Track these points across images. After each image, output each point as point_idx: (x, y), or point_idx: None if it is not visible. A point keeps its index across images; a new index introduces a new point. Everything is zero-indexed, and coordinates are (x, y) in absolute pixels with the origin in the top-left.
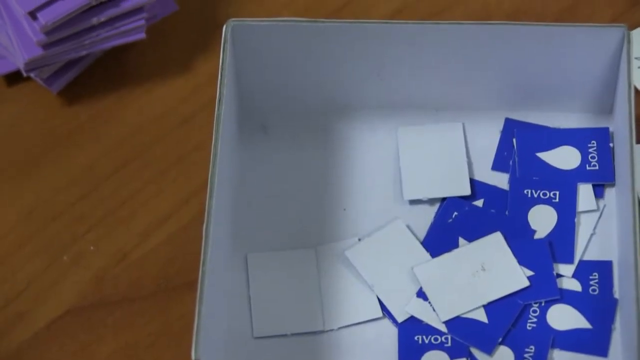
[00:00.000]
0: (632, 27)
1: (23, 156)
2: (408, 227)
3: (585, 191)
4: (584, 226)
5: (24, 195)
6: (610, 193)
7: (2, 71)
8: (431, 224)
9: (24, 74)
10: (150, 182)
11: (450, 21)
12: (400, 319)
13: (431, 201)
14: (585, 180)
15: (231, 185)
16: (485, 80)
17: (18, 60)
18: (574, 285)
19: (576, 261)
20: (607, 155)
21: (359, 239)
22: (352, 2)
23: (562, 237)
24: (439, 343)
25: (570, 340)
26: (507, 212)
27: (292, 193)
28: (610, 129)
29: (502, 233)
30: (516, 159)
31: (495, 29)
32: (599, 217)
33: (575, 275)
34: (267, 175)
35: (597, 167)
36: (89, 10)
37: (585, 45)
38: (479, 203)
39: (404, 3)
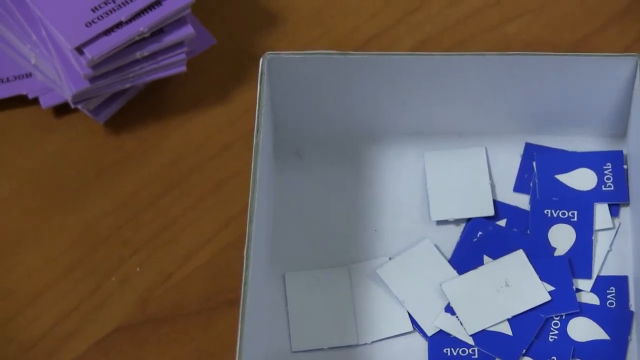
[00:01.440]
0: None
1: (72, 183)
2: (436, 246)
3: (601, 210)
4: (601, 243)
5: (74, 221)
6: (625, 212)
7: (51, 103)
8: (457, 243)
9: (72, 106)
10: (191, 207)
11: (471, 52)
12: (429, 333)
13: (457, 222)
14: (601, 200)
15: (269, 209)
16: (505, 107)
17: (66, 93)
18: (593, 299)
19: (594, 276)
20: (621, 177)
21: (390, 258)
22: (378, 35)
23: (581, 254)
24: (466, 355)
25: (589, 351)
26: (528, 231)
27: (326, 215)
28: (624, 152)
29: (525, 251)
30: (536, 181)
31: (514, 59)
32: (615, 235)
33: (593, 290)
34: (301, 198)
35: (612, 188)
36: (133, 45)
37: (599, 74)
38: (502, 223)
39: (427, 35)
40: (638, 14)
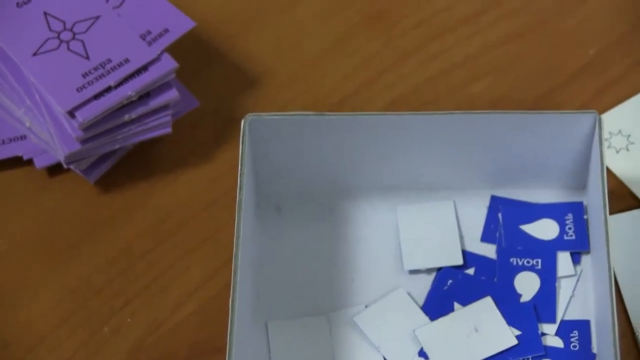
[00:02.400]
0: (601, 111)
1: (66, 239)
2: (409, 294)
3: (564, 259)
4: (564, 289)
5: (68, 274)
6: (586, 259)
7: (45, 164)
8: (429, 291)
9: (65, 166)
10: (179, 260)
11: (439, 111)
12: None
13: (428, 271)
14: (563, 248)
15: (251, 261)
16: (472, 163)
17: (59, 154)
18: (557, 343)
19: (558, 321)
20: (582, 227)
21: (366, 306)
22: (352, 95)
23: (545, 300)
24: None
25: None
26: (495, 279)
27: (305, 266)
28: (585, 203)
29: (492, 298)
30: (502, 232)
31: (480, 118)
32: (577, 281)
33: (557, 334)
34: (282, 251)
35: (573, 237)
36: (121, 109)
37: (560, 130)
38: (471, 271)
39: (398, 95)
40: (595, 72)
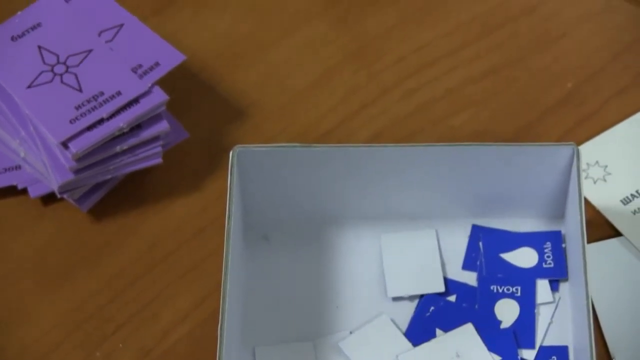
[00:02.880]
0: (578, 143)
1: (59, 266)
2: (392, 320)
3: (542, 286)
4: (543, 316)
5: (61, 300)
6: (564, 287)
7: (39, 193)
8: (412, 317)
9: (58, 196)
10: (169, 286)
11: (421, 144)
12: None
13: (411, 298)
14: (542, 276)
15: (239, 288)
16: (453, 193)
17: (52, 184)
18: None
19: (537, 346)
20: (560, 255)
21: (351, 332)
22: (336, 128)
23: (525, 326)
24: None
25: None
26: (476, 306)
27: (292, 293)
28: (562, 232)
29: (473, 324)
30: (482, 260)
31: (461, 150)
32: (556, 308)
33: (536, 359)
34: (269, 278)
35: (552, 265)
36: (113, 140)
37: (539, 161)
38: (452, 298)
39: (382, 127)
40: (571, 105)
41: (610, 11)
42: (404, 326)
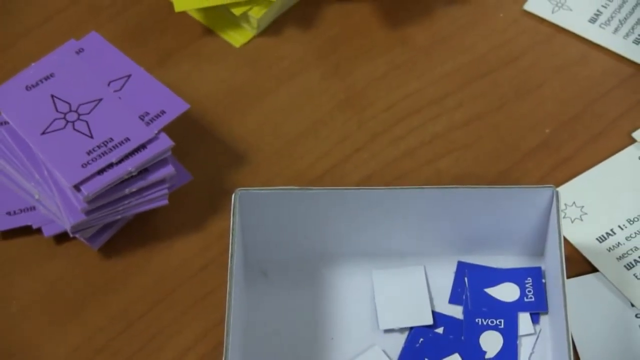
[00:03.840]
0: (556, 185)
1: (70, 301)
2: (384, 351)
3: (524, 319)
4: (525, 347)
5: (72, 334)
6: (544, 320)
7: (52, 232)
8: (402, 348)
9: (70, 235)
10: (174, 321)
11: (410, 186)
12: None
13: (402, 330)
14: (524, 310)
15: (240, 322)
16: (440, 232)
17: (65, 224)
18: None
19: None
20: (540, 290)
21: None
22: (330, 171)
23: (508, 357)
24: None
25: None
26: (462, 338)
27: (289, 326)
28: (543, 268)
29: (460, 355)
30: (468, 294)
31: (447, 192)
32: (536, 340)
33: None
34: (268, 312)
35: (533, 299)
36: (122, 183)
37: (521, 202)
38: (440, 330)
39: (372, 170)
40: (550, 149)
41: (584, 63)
42: (395, 357)
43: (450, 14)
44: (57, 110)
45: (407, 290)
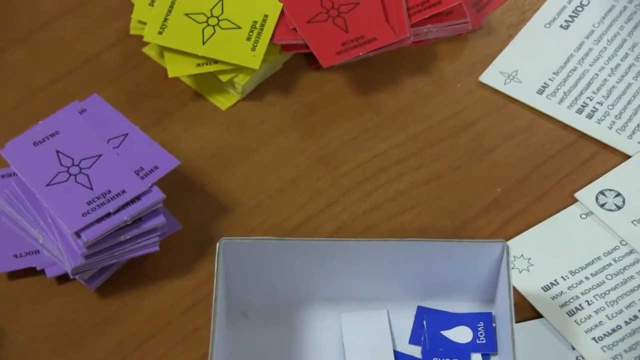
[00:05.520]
0: (507, 239)
1: (71, 336)
2: None
3: (476, 359)
4: None
5: None
6: None
7: (54, 274)
8: None
9: (71, 276)
10: (164, 355)
11: (376, 239)
12: None
13: None
14: (476, 350)
15: (223, 357)
16: (402, 279)
17: (66, 266)
18: None
19: None
20: (491, 333)
21: None
22: (305, 223)
23: None
24: None
25: None
26: None
27: None
28: (493, 313)
29: None
30: (426, 336)
31: (409, 244)
32: None
33: None
34: (247, 349)
35: (484, 341)
36: (118, 231)
37: (475, 255)
38: None
39: (343, 222)
40: (500, 207)
41: (532, 130)
42: None
43: (413, 84)
44: (61, 164)
45: (371, 332)
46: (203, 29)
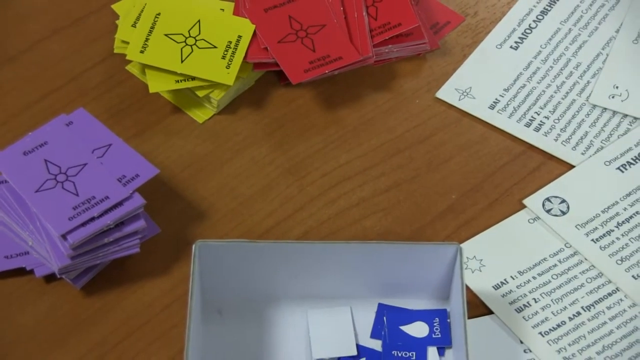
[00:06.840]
0: (460, 242)
1: (57, 332)
2: None
3: (432, 352)
4: None
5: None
6: (449, 353)
7: (43, 273)
8: None
9: (58, 276)
10: (143, 350)
11: (340, 241)
12: None
13: (331, 359)
14: (432, 344)
15: (198, 352)
16: (364, 279)
17: (54, 267)
18: None
19: None
20: (446, 328)
21: None
22: (275, 227)
23: None
24: None
25: None
26: None
27: (239, 357)
28: (448, 310)
29: None
30: (386, 330)
31: (371, 246)
32: None
33: None
34: (221, 344)
35: (440, 336)
36: (102, 234)
37: (431, 256)
38: None
39: (310, 227)
40: (455, 213)
41: (484, 142)
42: None
43: (375, 100)
44: (49, 172)
45: (336, 327)
46: (182, 48)
